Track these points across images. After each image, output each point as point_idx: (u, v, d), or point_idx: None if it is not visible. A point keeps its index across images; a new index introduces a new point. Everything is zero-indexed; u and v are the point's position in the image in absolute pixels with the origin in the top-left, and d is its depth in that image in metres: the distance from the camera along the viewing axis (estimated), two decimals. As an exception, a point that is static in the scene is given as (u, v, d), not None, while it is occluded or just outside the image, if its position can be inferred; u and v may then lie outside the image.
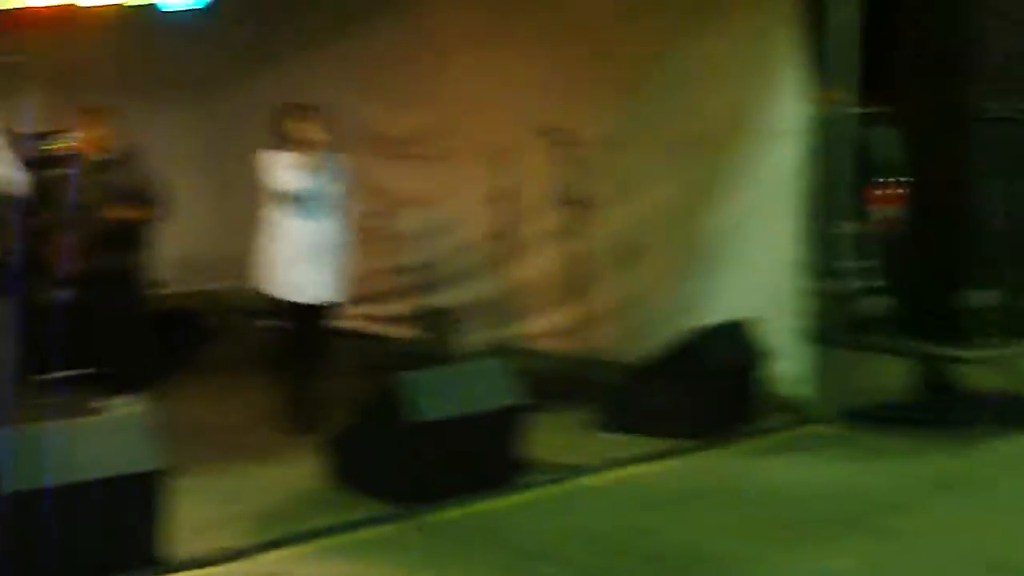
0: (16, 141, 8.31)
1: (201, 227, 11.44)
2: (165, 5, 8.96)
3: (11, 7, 7.77)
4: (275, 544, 6.18)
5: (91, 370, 8.47)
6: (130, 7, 8.73)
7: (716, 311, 8.71)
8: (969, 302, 10.72)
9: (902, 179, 12.72)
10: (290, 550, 6.16)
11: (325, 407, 8.06)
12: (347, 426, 7.18)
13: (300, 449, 7.48)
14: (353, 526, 6.45)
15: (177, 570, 5.81)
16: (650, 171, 9.34)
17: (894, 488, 7.44)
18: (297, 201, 8.14)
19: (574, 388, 8.91)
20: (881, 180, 13.79)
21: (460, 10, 10.29)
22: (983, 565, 6.13)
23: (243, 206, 8.91)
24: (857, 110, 9.53)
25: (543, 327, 9.97)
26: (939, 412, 8.96)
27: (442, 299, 10.37)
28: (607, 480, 7.48)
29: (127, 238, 8.54)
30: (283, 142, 8.18)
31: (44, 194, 8.35)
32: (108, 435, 5.93)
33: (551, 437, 7.62)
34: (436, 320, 10.35)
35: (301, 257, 8.18)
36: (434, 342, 10.20)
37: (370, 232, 9.71)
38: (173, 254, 9.77)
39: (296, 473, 7.23)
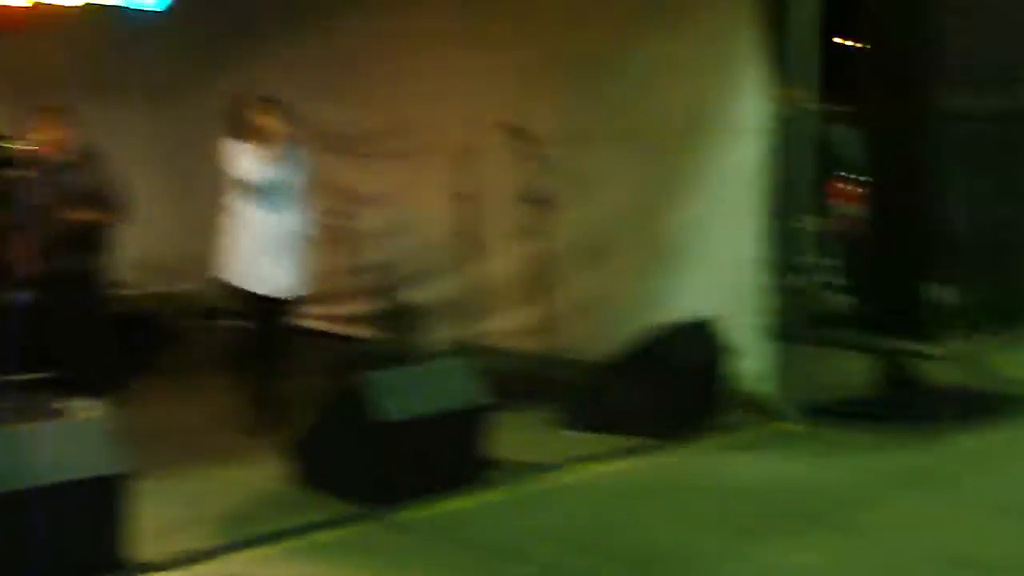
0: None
1: (161, 229, 11.39)
2: (128, 2, 8.90)
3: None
4: (239, 546, 6.13)
5: (51, 373, 8.40)
6: (91, 7, 8.67)
7: (679, 309, 8.73)
8: (930, 298, 10.81)
9: (863, 177, 12.83)
10: (254, 552, 6.11)
11: (289, 407, 8.02)
12: (311, 427, 7.15)
13: (264, 450, 7.44)
14: (317, 527, 6.41)
15: (140, 572, 5.77)
16: (612, 170, 9.36)
17: (857, 484, 7.48)
18: (259, 192, 8.11)
19: (538, 387, 8.91)
20: (842, 177, 13.91)
21: (420, 11, 10.27)
22: (946, 560, 6.15)
23: (203, 207, 8.88)
24: (818, 108, 9.58)
25: (507, 326, 9.96)
26: (901, 408, 9.01)
27: (405, 299, 10.36)
28: (572, 479, 7.48)
29: (87, 240, 8.48)
30: (244, 133, 8.15)
31: (2, 195, 8.29)
32: (69, 438, 5.87)
33: (515, 436, 7.61)
34: (399, 320, 10.33)
35: (263, 248, 8.14)
36: (398, 342, 10.18)
37: (332, 231, 9.67)
38: (133, 256, 9.72)
39: (260, 474, 7.19)
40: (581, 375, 8.73)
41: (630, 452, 7.90)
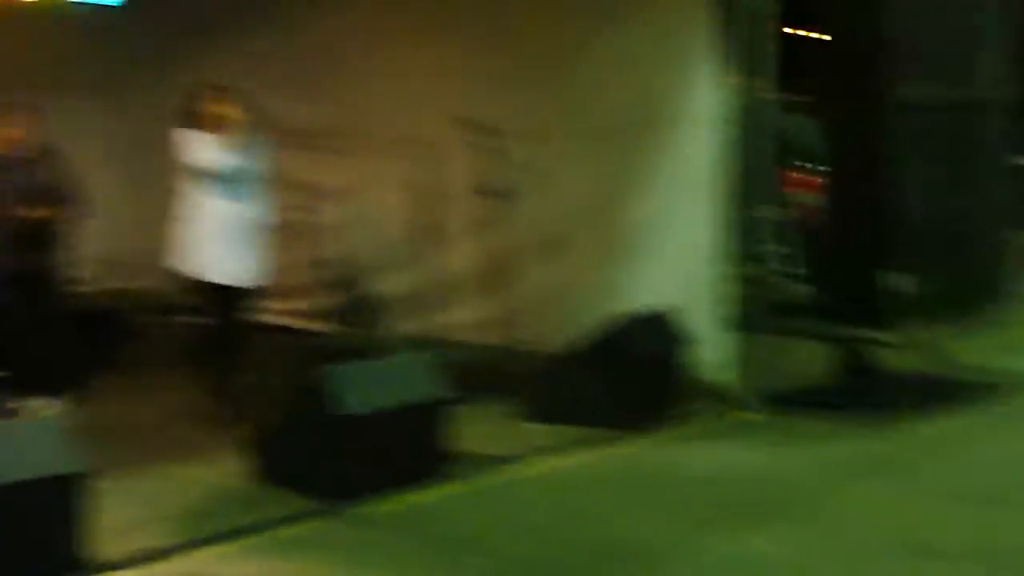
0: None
1: (119, 225, 11.31)
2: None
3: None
4: (198, 544, 6.11)
5: (8, 372, 8.34)
6: (47, 2, 8.61)
7: (639, 300, 8.75)
8: (888, 286, 10.88)
9: (821, 166, 12.90)
10: (214, 549, 6.09)
11: (248, 402, 7.99)
12: (270, 422, 7.13)
13: (223, 446, 7.40)
14: (277, 523, 6.39)
15: (98, 572, 5.74)
16: (570, 162, 9.38)
17: (816, 472, 7.52)
18: (218, 180, 8.05)
19: (498, 379, 8.91)
20: (801, 167, 13.98)
21: (378, 7, 10.26)
22: (904, 547, 6.19)
23: (161, 203, 8.82)
24: (776, 98, 9.63)
25: (466, 319, 9.96)
26: (860, 395, 9.07)
27: (365, 292, 10.33)
28: (532, 470, 7.49)
29: (44, 237, 8.43)
30: (199, 122, 8.09)
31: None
32: (26, 437, 5.83)
33: (476, 428, 7.61)
34: (360, 313, 10.30)
35: (221, 237, 8.09)
36: (358, 335, 10.15)
37: (291, 225, 9.64)
38: (91, 252, 9.66)
39: (219, 471, 7.16)
40: (541, 367, 8.74)
41: (590, 444, 7.92)
